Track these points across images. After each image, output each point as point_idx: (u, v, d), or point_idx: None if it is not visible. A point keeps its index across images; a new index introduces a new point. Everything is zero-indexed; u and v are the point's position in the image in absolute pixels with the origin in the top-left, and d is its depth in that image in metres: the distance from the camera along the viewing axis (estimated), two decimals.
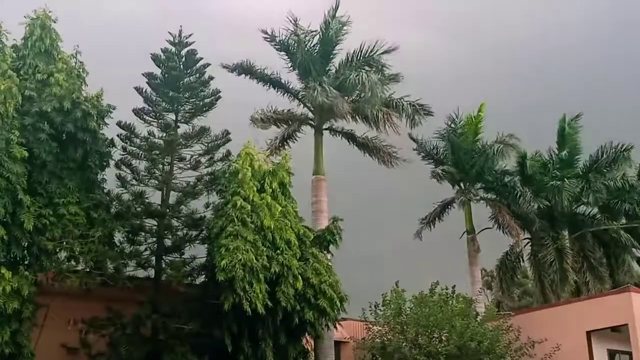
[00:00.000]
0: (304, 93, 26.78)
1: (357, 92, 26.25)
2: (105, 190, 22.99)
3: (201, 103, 24.81)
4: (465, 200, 30.42)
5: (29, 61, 21.42)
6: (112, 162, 23.38)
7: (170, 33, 24.67)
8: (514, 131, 30.62)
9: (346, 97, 25.94)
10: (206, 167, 24.39)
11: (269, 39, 26.70)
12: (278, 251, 21.04)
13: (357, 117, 27.07)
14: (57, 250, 20.98)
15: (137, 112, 24.29)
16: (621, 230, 30.22)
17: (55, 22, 22.12)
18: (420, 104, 27.18)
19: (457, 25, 52.30)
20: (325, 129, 27.26)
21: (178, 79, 24.51)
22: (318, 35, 26.74)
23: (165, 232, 23.64)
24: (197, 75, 24.94)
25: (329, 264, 22.79)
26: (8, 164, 19.35)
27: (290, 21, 26.42)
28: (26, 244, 20.18)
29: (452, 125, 31.19)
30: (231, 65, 27.15)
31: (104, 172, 22.85)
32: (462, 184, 31.17)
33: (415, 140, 31.48)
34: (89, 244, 21.28)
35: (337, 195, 27.26)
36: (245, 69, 27.26)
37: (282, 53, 27.27)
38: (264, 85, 27.72)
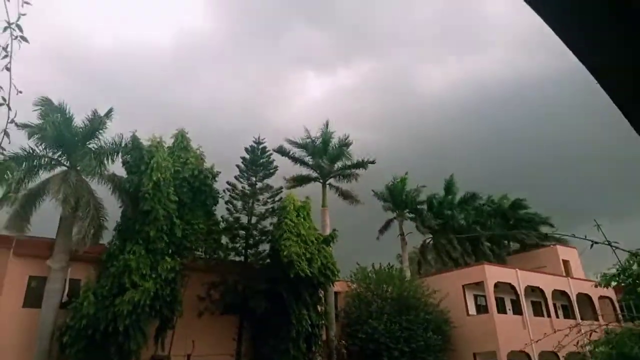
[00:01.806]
0: (314, 165, 36.14)
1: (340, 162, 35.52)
2: (217, 217, 29.71)
3: (268, 172, 32.39)
4: (398, 219, 42.71)
5: (176, 153, 28.43)
6: (221, 202, 30.43)
7: (253, 138, 32.93)
8: (425, 182, 43.70)
9: (335, 165, 35.62)
10: (270, 206, 31.40)
11: (292, 144, 36.37)
12: (308, 245, 27.19)
13: (340, 177, 36.44)
14: (193, 247, 27.39)
15: (237, 178, 31.67)
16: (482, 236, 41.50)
17: (187, 133, 29.43)
18: (368, 160, 37.06)
19: (393, 129, 67.05)
20: (327, 184, 36.24)
21: (257, 159, 32.21)
22: (320, 139, 36.18)
23: (249, 237, 30.06)
24: (266, 157, 32.60)
25: (332, 253, 28.68)
26: (167, 204, 25.80)
27: (305, 131, 36.25)
28: (177, 244, 26.37)
29: (392, 182, 43.34)
30: (277, 149, 35.61)
31: (215, 207, 29.37)
32: (397, 211, 43.23)
33: (375, 192, 43.33)
34: (209, 243, 28.05)
35: (335, 217, 34.80)
36: (283, 152, 36.38)
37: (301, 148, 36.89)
38: (293, 162, 36.74)
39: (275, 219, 28.53)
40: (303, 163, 36.29)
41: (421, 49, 75.98)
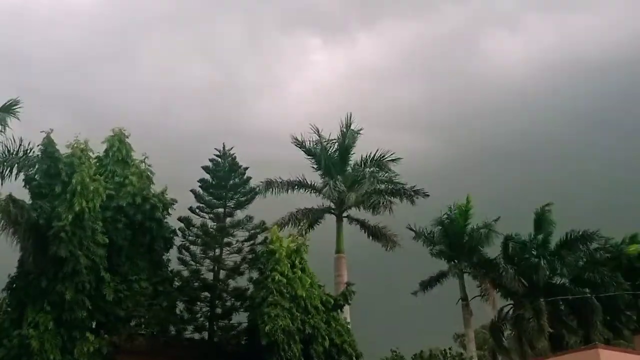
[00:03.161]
0: (325, 188, 28.97)
1: (367, 187, 28.75)
2: (169, 269, 25.09)
3: (243, 199, 27.39)
4: (457, 273, 32.33)
5: (109, 168, 24.22)
6: (174, 246, 25.56)
7: (216, 149, 27.78)
8: (497, 213, 32.88)
9: (359, 192, 28.32)
10: (248, 251, 26.39)
11: (298, 145, 29.76)
12: (309, 315, 22.52)
13: (363, 206, 29.20)
14: (130, 317, 22.96)
15: (193, 210, 26.68)
16: (593, 297, 30.76)
17: (128, 137, 25.03)
18: (416, 189, 29.48)
19: (448, 130, 54.40)
20: (345, 217, 29.37)
21: (224, 180, 27.27)
22: (336, 143, 29.82)
23: (217, 302, 25.37)
24: (239, 177, 27.64)
25: (348, 326, 24.15)
26: (93, 248, 21.63)
27: (313, 130, 29.81)
28: (106, 312, 22.04)
29: (446, 215, 33.09)
30: (263, 182, 29.30)
31: (167, 254, 25.11)
32: (454, 261, 33.06)
33: (414, 230, 33.37)
34: (155, 312, 23.32)
35: (354, 268, 28.81)
36: (270, 184, 29.66)
37: (309, 156, 30.00)
38: (292, 189, 30.28)
39: (255, 273, 24.84)
40: (306, 187, 29.79)
41: (486, 5, 61.05)
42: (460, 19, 60.41)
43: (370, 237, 29.55)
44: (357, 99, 51.64)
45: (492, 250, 33.03)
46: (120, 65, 50.97)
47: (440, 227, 32.81)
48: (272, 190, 29.11)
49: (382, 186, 28.32)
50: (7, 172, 22.05)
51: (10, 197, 21.31)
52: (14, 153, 22.23)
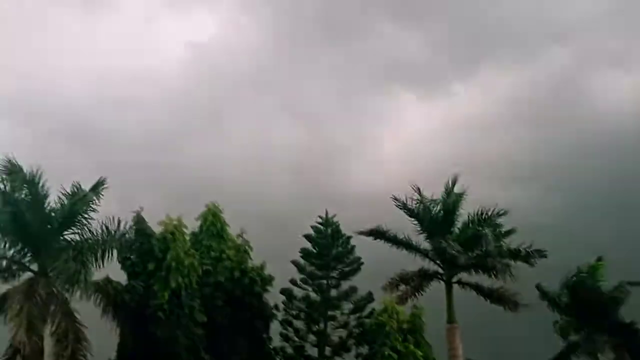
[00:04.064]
0: (432, 251, 27.37)
1: (479, 247, 26.74)
2: (271, 346, 25.07)
3: (347, 268, 27.37)
4: (591, 351, 28.42)
5: (204, 243, 24.74)
6: (275, 321, 25.77)
7: (319, 216, 28.17)
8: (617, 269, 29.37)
9: (469, 253, 26.45)
10: (354, 325, 26.22)
11: (400, 206, 29.40)
12: None
13: (479, 269, 27.06)
14: None
15: (294, 282, 26.87)
16: None
17: (222, 211, 25.60)
18: (534, 249, 26.64)
19: (556, 180, 51.17)
20: (455, 282, 27.52)
21: (327, 249, 27.47)
22: (440, 204, 28.71)
23: None
24: (343, 245, 27.79)
25: None
26: (192, 327, 22.03)
27: (415, 190, 29.05)
28: None
29: (573, 275, 29.51)
30: (366, 231, 27.80)
31: (268, 332, 25.04)
32: (586, 328, 29.41)
33: (541, 289, 29.62)
34: None
35: (469, 338, 27.24)
36: (379, 233, 27.76)
37: (412, 218, 28.23)
38: (395, 247, 27.97)
39: (365, 348, 24.84)
40: (411, 248, 27.69)
41: (594, 43, 58.31)
42: (565, 61, 58.19)
43: (490, 301, 27.83)
44: (457, 152, 50.25)
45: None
46: (208, 138, 53.18)
47: (567, 290, 30.15)
48: (378, 239, 28.47)
49: (495, 247, 26.73)
50: (106, 253, 22.36)
51: (107, 279, 22.30)
52: (112, 234, 22.66)
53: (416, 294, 26.68)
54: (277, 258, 27.64)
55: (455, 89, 60.33)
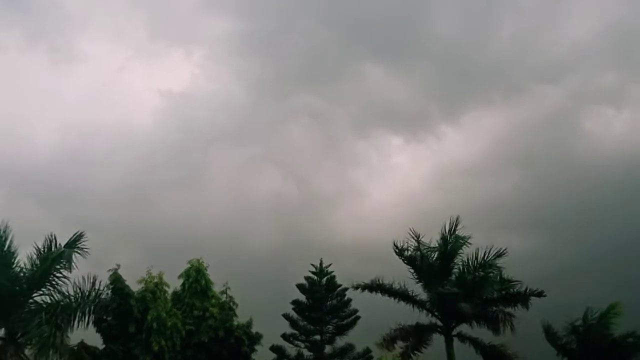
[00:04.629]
0: (429, 302, 27.07)
1: (479, 294, 26.50)
2: None
3: (343, 323, 26.75)
4: None
5: (187, 301, 24.05)
6: None
7: (312, 265, 27.49)
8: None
9: (469, 301, 25.85)
10: None
11: (397, 253, 28.36)
12: None
13: (480, 320, 26.71)
14: None
15: (286, 337, 26.09)
16: None
17: (207, 268, 24.97)
18: (531, 290, 26.35)
19: (561, 227, 50.97)
20: (454, 335, 27.10)
21: (321, 302, 26.80)
22: (437, 251, 28.43)
23: None
24: (338, 298, 27.14)
25: None
26: None
27: (413, 237, 28.70)
28: None
29: (579, 321, 28.79)
30: (364, 285, 27.40)
31: None
32: None
33: (549, 332, 28.74)
34: None
35: None
36: (376, 287, 27.30)
37: (409, 266, 27.96)
38: (392, 299, 27.64)
39: None
40: (409, 299, 27.28)
41: (584, 82, 58.50)
42: (557, 100, 58.54)
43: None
44: (448, 199, 49.87)
45: None
46: (187, 190, 52.35)
47: (573, 335, 29.48)
48: (375, 292, 27.82)
49: (495, 293, 26.22)
50: (81, 316, 21.59)
51: (82, 344, 21.49)
52: (87, 294, 21.98)
53: (417, 350, 26.10)
54: (264, 313, 27.19)
55: (443, 132, 60.42)
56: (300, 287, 27.11)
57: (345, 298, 27.06)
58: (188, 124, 55.84)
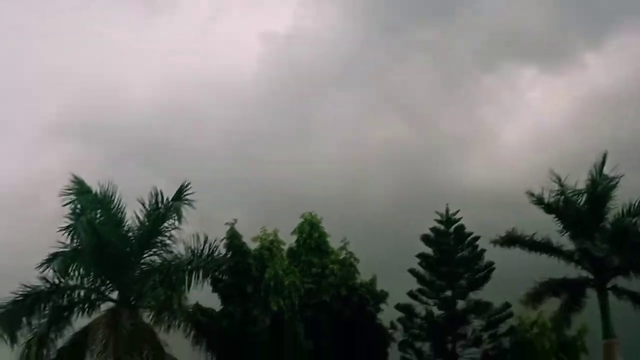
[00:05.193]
0: (578, 253, 25.68)
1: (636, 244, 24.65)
2: None
3: (476, 276, 25.45)
4: None
5: (303, 258, 23.67)
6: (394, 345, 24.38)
7: (437, 212, 26.06)
8: None
9: (624, 254, 24.76)
10: (489, 344, 24.52)
11: (535, 202, 27.21)
12: None
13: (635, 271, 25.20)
14: None
15: (413, 294, 25.15)
16: None
17: (321, 221, 24.56)
18: None
19: None
20: (609, 289, 25.54)
21: (450, 255, 25.54)
22: (586, 194, 26.33)
23: None
24: (469, 249, 25.82)
25: None
26: (298, 357, 21.19)
27: (555, 181, 26.95)
28: None
29: None
30: (501, 239, 27.05)
31: (387, 358, 23.86)
32: None
33: None
34: None
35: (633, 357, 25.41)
36: (512, 239, 26.04)
37: (551, 214, 26.28)
38: (534, 252, 26.32)
39: None
40: (553, 251, 25.67)
41: None
42: None
43: None
44: (590, 137, 46.31)
45: None
46: (295, 142, 51.35)
47: None
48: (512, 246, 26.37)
49: None
50: (196, 276, 21.91)
51: (197, 306, 21.67)
52: (198, 254, 22.18)
53: (573, 308, 24.90)
54: (387, 270, 26.22)
55: (586, 59, 55.94)
56: (425, 238, 25.89)
57: (478, 249, 25.67)
58: (293, 68, 54.43)
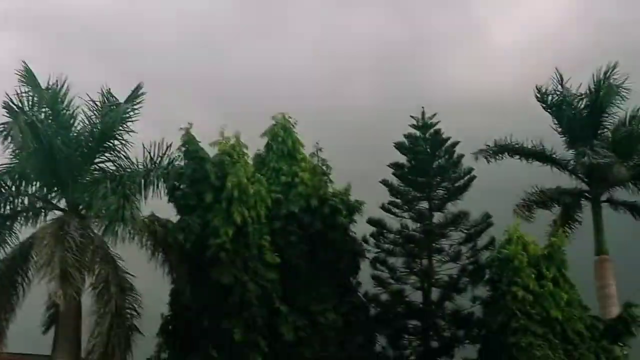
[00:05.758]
0: (574, 162, 25.96)
1: (637, 153, 25.51)
2: (361, 292, 23.85)
3: (454, 186, 25.37)
4: None
5: (272, 165, 23.30)
6: (365, 262, 24.31)
7: (413, 117, 25.66)
8: None
9: (626, 163, 25.05)
10: (468, 257, 24.69)
11: (539, 98, 26.81)
12: (570, 346, 20.77)
13: (638, 184, 25.98)
14: None
15: (386, 208, 25.20)
16: None
17: (295, 125, 24.12)
18: None
19: None
20: (604, 201, 26.28)
21: (426, 163, 25.30)
22: (586, 98, 26.49)
23: (431, 333, 24.11)
24: (446, 156, 25.58)
25: None
26: (262, 272, 20.82)
27: (557, 79, 26.51)
28: (286, 356, 21.18)
29: None
30: (488, 149, 26.84)
31: (357, 274, 23.76)
32: None
33: None
34: (350, 352, 22.08)
35: (625, 276, 26.00)
36: (501, 148, 26.96)
37: (551, 115, 26.93)
38: (525, 160, 27.25)
39: (482, 289, 23.50)
40: (545, 159, 26.61)
41: None
42: None
43: None
44: (595, 36, 45.37)
45: None
46: (267, 37, 50.17)
47: None
48: (497, 157, 26.70)
49: None
50: (153, 184, 21.67)
51: (153, 216, 21.42)
52: (158, 160, 21.90)
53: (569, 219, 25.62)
54: (362, 180, 25.90)
55: None
56: (399, 145, 25.62)
57: (456, 155, 25.49)
58: None
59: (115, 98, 22.09)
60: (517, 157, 26.89)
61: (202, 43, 47.45)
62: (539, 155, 26.90)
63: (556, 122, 26.81)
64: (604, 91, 25.71)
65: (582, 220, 26.83)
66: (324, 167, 23.94)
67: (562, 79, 26.20)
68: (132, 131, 21.71)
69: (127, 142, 21.80)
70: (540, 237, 23.79)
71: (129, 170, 21.80)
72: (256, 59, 45.74)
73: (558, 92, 26.29)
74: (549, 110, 26.53)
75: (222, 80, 42.63)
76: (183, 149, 22.12)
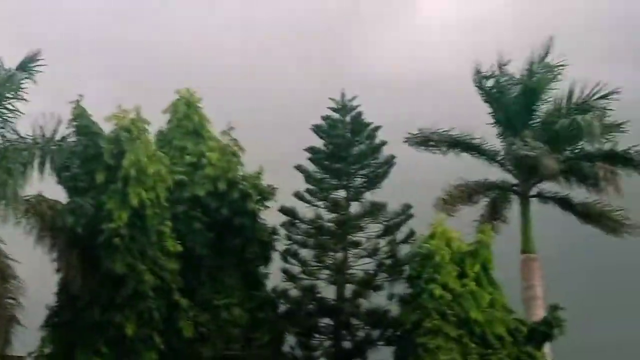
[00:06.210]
0: (503, 154, 26.29)
1: (572, 145, 25.80)
2: (270, 287, 23.79)
3: (374, 173, 25.31)
4: None
5: (176, 143, 23.10)
6: (276, 254, 24.18)
7: (332, 99, 25.59)
8: None
9: (556, 156, 25.11)
10: (386, 251, 24.67)
11: (477, 82, 26.67)
12: (489, 350, 20.86)
13: (570, 178, 25.95)
14: None
15: (300, 195, 25.03)
16: None
17: (200, 101, 23.94)
18: None
19: None
20: (533, 196, 26.48)
21: (345, 148, 25.33)
22: (520, 84, 26.52)
23: (343, 332, 24.10)
24: (367, 142, 25.56)
25: None
26: (161, 261, 20.54)
27: (498, 63, 26.44)
28: (184, 354, 21.02)
29: None
30: (416, 136, 26.78)
31: (267, 266, 23.67)
32: None
33: None
34: (256, 351, 22.02)
35: (552, 275, 26.27)
36: (425, 137, 26.77)
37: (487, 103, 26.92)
38: (451, 149, 27.01)
39: (400, 286, 23.51)
40: (473, 149, 26.68)
41: None
42: None
43: (584, 221, 26.18)
44: (537, 15, 46.53)
45: None
46: (179, 5, 50.17)
47: None
48: (422, 147, 26.84)
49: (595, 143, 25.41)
50: (40, 162, 21.04)
51: (40, 196, 20.83)
52: (50, 136, 21.30)
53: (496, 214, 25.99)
54: (276, 165, 25.78)
55: None
56: (316, 128, 25.57)
57: (377, 141, 25.51)
58: None
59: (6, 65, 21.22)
60: (442, 147, 27.09)
61: (108, 9, 47.14)
62: (465, 145, 27.21)
63: (490, 110, 27.14)
64: (538, 75, 26.10)
65: (511, 216, 27.23)
66: (235, 148, 23.64)
67: (501, 64, 26.55)
68: (24, 99, 21.05)
69: (19, 112, 21.10)
70: (469, 234, 23.91)
71: (15, 144, 21.14)
72: (167, 27, 45.32)
73: (495, 76, 26.59)
74: (484, 96, 26.82)
75: (124, 50, 42.45)
76: (73, 123, 21.53)
